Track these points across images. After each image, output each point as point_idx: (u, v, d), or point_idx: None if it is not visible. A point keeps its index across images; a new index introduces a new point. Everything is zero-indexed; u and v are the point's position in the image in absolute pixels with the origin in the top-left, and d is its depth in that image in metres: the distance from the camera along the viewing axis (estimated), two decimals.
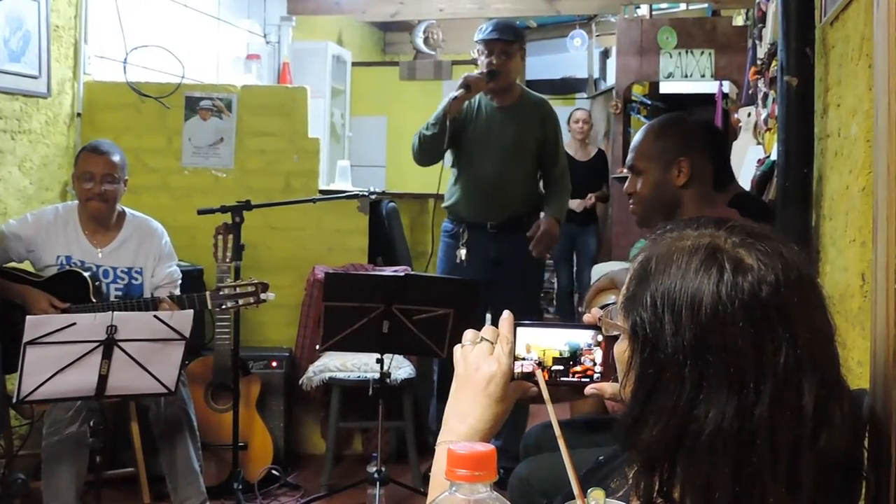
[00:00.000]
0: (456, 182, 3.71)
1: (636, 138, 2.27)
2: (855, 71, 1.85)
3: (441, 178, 3.72)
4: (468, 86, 3.48)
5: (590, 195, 6.43)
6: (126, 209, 3.35)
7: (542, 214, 3.73)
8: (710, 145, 2.24)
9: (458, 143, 3.63)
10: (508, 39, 3.57)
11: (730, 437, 0.87)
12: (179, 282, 3.37)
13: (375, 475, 3.15)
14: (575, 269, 6.77)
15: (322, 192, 4.20)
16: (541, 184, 3.85)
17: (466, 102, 3.59)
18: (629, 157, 2.27)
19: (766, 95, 3.48)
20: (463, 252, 3.65)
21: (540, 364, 1.14)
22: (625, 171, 2.36)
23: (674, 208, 2.18)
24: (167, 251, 3.36)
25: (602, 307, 1.18)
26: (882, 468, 1.10)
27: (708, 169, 2.21)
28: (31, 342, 2.44)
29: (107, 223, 3.26)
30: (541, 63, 8.97)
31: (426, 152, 3.60)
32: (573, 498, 0.93)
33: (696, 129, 2.27)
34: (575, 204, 6.33)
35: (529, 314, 1.21)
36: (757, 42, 3.98)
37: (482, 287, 3.38)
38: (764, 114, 3.46)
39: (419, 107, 6.03)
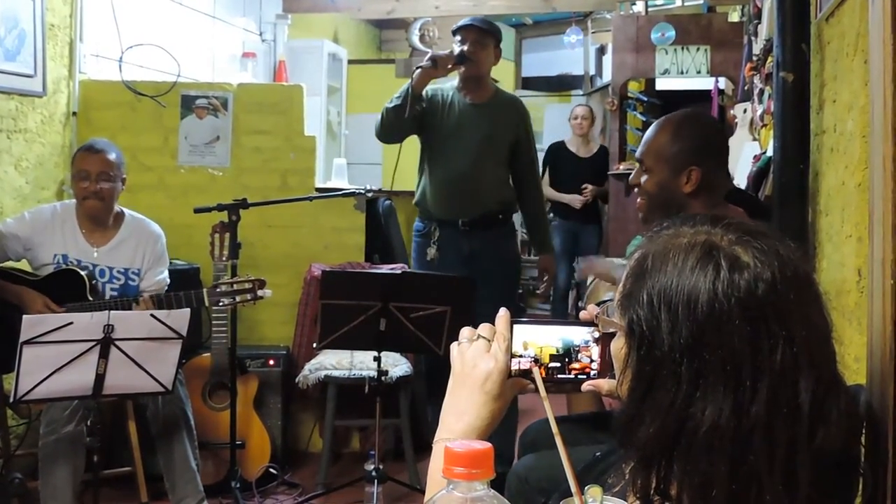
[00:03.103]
0: (425, 179, 3.65)
1: (650, 132, 2.13)
2: (850, 67, 1.85)
3: (394, 174, 3.62)
4: (434, 60, 3.46)
5: (585, 185, 6.26)
6: (125, 210, 3.34)
7: (513, 214, 3.74)
8: (725, 154, 2.13)
9: (429, 138, 3.60)
10: (482, 28, 3.56)
11: (726, 435, 0.87)
12: (166, 287, 3.35)
13: (373, 473, 3.15)
14: (577, 266, 6.64)
15: (318, 189, 4.19)
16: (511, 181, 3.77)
17: (440, 98, 3.56)
18: (640, 149, 2.15)
19: (761, 91, 3.49)
20: (433, 250, 3.60)
21: (537, 361, 1.14)
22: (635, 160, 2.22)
23: (678, 212, 2.04)
24: (160, 255, 3.35)
25: (599, 304, 1.18)
26: (879, 464, 1.10)
27: (720, 179, 2.10)
28: (28, 342, 2.43)
29: (104, 222, 3.26)
30: (537, 60, 8.97)
31: (388, 126, 3.56)
32: (570, 495, 0.93)
33: (715, 136, 2.14)
34: (577, 200, 6.29)
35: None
36: (752, 38, 3.99)
37: None
38: (760, 110, 3.46)
39: None
